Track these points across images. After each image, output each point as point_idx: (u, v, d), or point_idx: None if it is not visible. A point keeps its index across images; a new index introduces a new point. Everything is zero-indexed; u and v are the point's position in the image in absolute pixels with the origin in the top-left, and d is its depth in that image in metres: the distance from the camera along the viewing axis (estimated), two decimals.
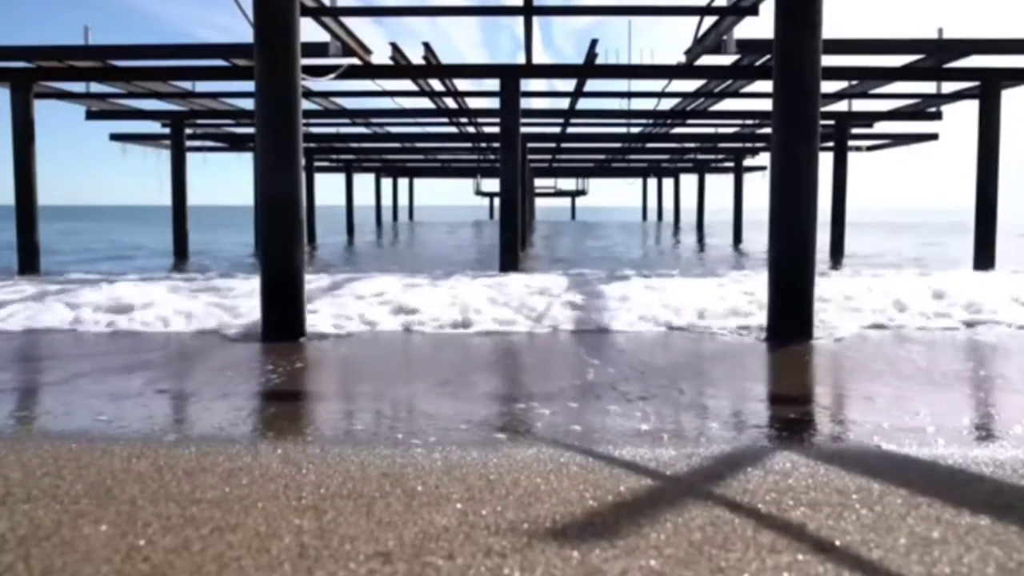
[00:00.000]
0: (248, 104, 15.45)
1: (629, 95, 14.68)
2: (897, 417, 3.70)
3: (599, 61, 11.64)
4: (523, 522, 2.37)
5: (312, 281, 8.84)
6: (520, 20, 10.37)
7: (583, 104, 15.91)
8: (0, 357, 5.66)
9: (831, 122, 17.20)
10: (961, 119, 18.40)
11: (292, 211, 6.42)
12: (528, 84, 12.97)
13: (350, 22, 9.95)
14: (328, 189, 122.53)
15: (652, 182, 47.07)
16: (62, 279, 10.43)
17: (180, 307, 7.47)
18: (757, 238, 22.71)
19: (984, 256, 12.71)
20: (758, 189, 47.48)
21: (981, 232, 12.81)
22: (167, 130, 17.94)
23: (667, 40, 14.31)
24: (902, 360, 5.33)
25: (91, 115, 16.39)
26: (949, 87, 13.76)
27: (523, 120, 14.14)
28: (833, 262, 15.98)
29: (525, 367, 5.54)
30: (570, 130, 19.70)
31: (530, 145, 21.94)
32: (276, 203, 6.43)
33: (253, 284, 7.71)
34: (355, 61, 10.90)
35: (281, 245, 6.46)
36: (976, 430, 3.55)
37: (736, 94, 13.78)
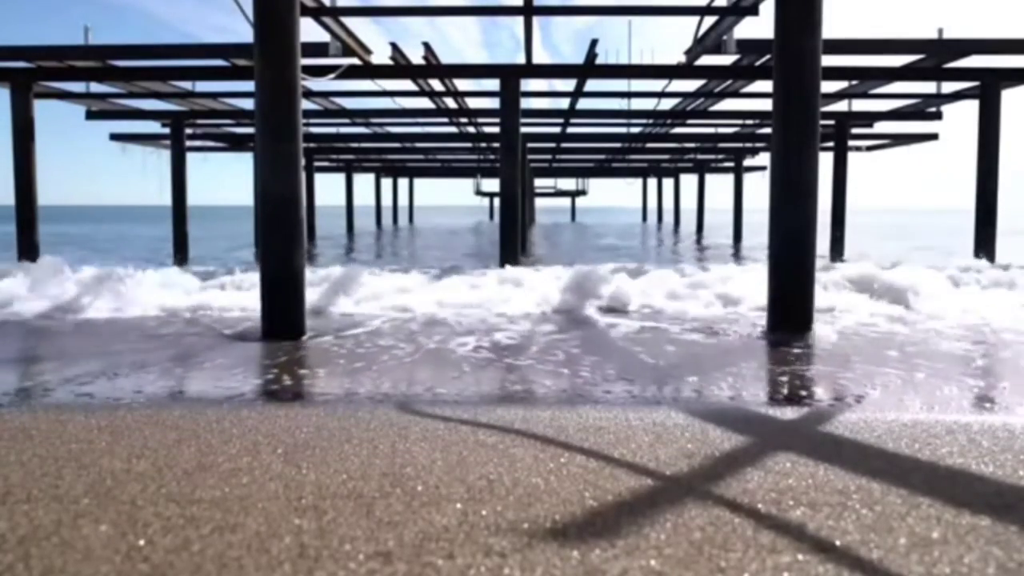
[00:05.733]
0: (248, 104, 15.46)
1: (629, 95, 14.69)
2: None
3: (599, 61, 11.64)
4: (523, 522, 2.37)
5: None
6: (520, 20, 10.37)
7: (583, 104, 15.92)
8: None
9: (831, 122, 17.20)
10: (961, 119, 18.40)
11: (292, 211, 6.43)
12: (528, 84, 12.97)
13: (350, 22, 9.96)
14: (328, 189, 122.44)
15: (652, 182, 47.07)
16: None
17: None
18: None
19: (984, 258, 12.70)
20: (758, 189, 47.50)
21: (981, 233, 12.81)
22: (167, 130, 17.95)
23: (667, 40, 14.31)
24: None
25: (91, 115, 16.40)
26: (949, 87, 13.76)
27: (523, 120, 14.14)
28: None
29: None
30: (570, 130, 19.71)
31: (530, 145, 21.94)
32: (276, 203, 6.43)
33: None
34: (355, 61, 10.90)
35: (281, 245, 6.46)
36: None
37: (736, 94, 13.79)
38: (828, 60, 7.17)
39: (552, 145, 23.33)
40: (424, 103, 15.33)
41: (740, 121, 18.13)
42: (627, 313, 7.77)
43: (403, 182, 47.19)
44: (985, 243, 12.77)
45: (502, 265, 11.74)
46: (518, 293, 8.36)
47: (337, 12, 9.21)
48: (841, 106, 16.64)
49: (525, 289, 8.63)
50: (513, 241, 12.26)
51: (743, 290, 8.31)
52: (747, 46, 9.97)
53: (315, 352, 5.83)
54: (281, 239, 6.45)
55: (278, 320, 6.44)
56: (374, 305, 7.98)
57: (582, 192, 55.82)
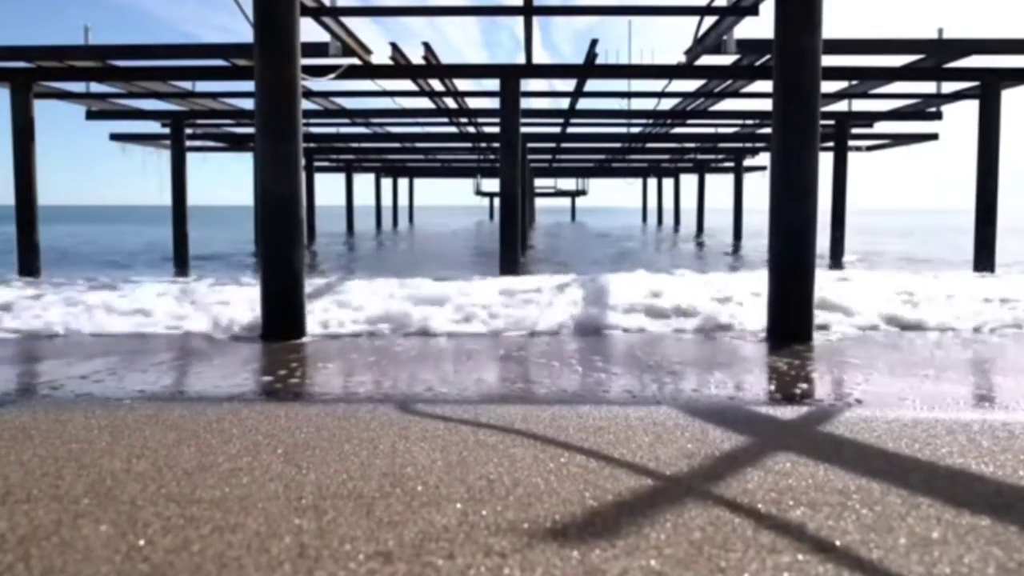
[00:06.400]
0: (248, 104, 15.45)
1: (629, 95, 14.68)
2: None
3: (599, 61, 11.64)
4: (523, 522, 2.37)
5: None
6: (520, 20, 10.36)
7: (583, 104, 15.91)
8: None
9: (831, 122, 17.19)
10: (961, 119, 18.39)
11: (292, 211, 6.43)
12: (528, 84, 12.97)
13: (350, 22, 9.95)
14: (328, 189, 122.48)
15: (652, 182, 47.06)
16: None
17: None
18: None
19: (984, 257, 12.69)
20: (758, 189, 47.54)
21: (981, 233, 12.79)
22: (167, 130, 17.94)
23: (667, 40, 14.31)
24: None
25: (91, 115, 16.40)
26: (949, 87, 13.75)
27: (523, 120, 14.13)
28: (833, 264, 15.99)
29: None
30: (570, 130, 19.70)
31: (530, 145, 21.94)
32: (276, 203, 6.43)
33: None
34: (355, 61, 10.89)
35: (281, 245, 6.47)
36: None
37: (736, 94, 13.78)
38: (828, 60, 7.16)
39: (552, 145, 23.33)
40: (424, 103, 15.32)
41: (740, 121, 18.11)
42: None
43: (403, 182, 47.20)
44: (985, 243, 12.76)
45: (502, 272, 11.65)
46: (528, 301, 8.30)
47: (337, 12, 9.21)
48: (841, 106, 16.63)
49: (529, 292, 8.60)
50: (513, 241, 12.26)
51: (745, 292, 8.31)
52: (747, 46, 9.96)
53: (315, 352, 5.82)
54: (281, 239, 6.45)
55: (278, 320, 6.44)
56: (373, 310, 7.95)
57: (582, 192, 55.81)
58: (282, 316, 6.45)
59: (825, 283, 8.16)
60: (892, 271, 13.10)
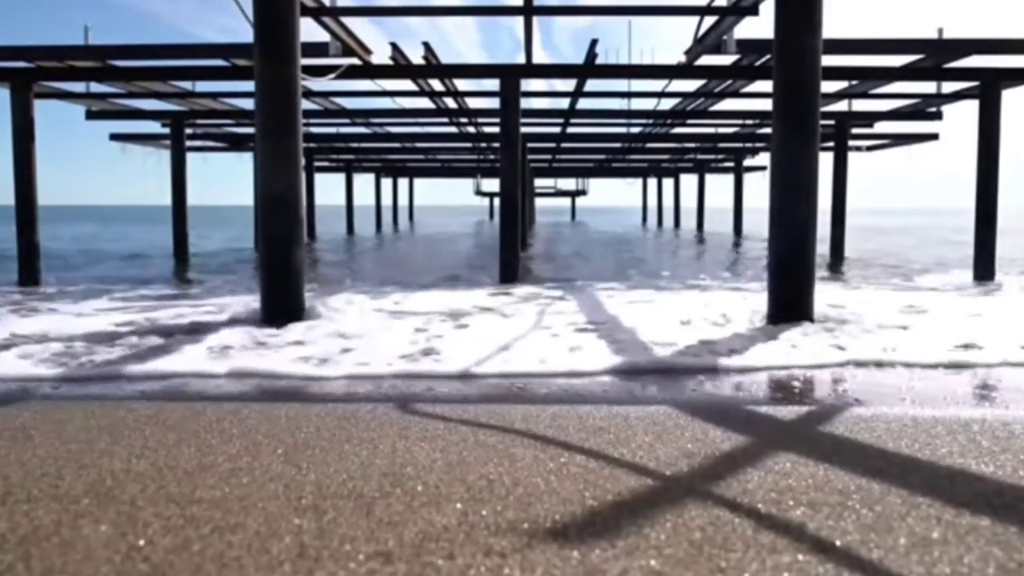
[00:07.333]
0: (248, 104, 15.45)
1: (629, 95, 14.67)
2: None
3: (599, 61, 11.63)
4: (523, 522, 2.37)
5: None
6: (520, 20, 10.36)
7: (583, 104, 15.90)
8: None
9: (831, 122, 17.18)
10: (961, 119, 18.40)
11: (292, 210, 6.43)
12: (528, 84, 12.97)
13: (350, 22, 9.95)
14: (328, 189, 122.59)
15: (652, 182, 47.06)
16: None
17: None
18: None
19: (983, 262, 12.63)
20: (758, 188, 47.54)
21: (981, 236, 12.76)
22: (167, 130, 17.95)
23: (667, 40, 14.31)
24: None
25: (91, 115, 16.40)
26: (949, 87, 13.74)
27: (523, 120, 14.12)
28: (832, 267, 15.98)
29: None
30: (570, 130, 19.69)
31: (530, 145, 21.93)
32: (276, 202, 6.44)
33: None
34: (355, 61, 10.89)
35: (281, 243, 6.47)
36: None
37: (736, 94, 13.77)
38: (828, 60, 7.16)
39: (552, 145, 23.32)
40: (424, 103, 15.32)
41: (740, 121, 18.11)
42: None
43: (403, 182, 47.18)
44: (985, 247, 12.73)
45: (502, 277, 11.61)
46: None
47: (337, 12, 9.20)
48: (841, 106, 16.62)
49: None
50: (514, 243, 12.25)
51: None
52: (747, 46, 9.95)
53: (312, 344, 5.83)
54: (281, 237, 6.46)
55: (279, 318, 6.44)
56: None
57: (582, 192, 55.80)
58: (282, 311, 6.45)
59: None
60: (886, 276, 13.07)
